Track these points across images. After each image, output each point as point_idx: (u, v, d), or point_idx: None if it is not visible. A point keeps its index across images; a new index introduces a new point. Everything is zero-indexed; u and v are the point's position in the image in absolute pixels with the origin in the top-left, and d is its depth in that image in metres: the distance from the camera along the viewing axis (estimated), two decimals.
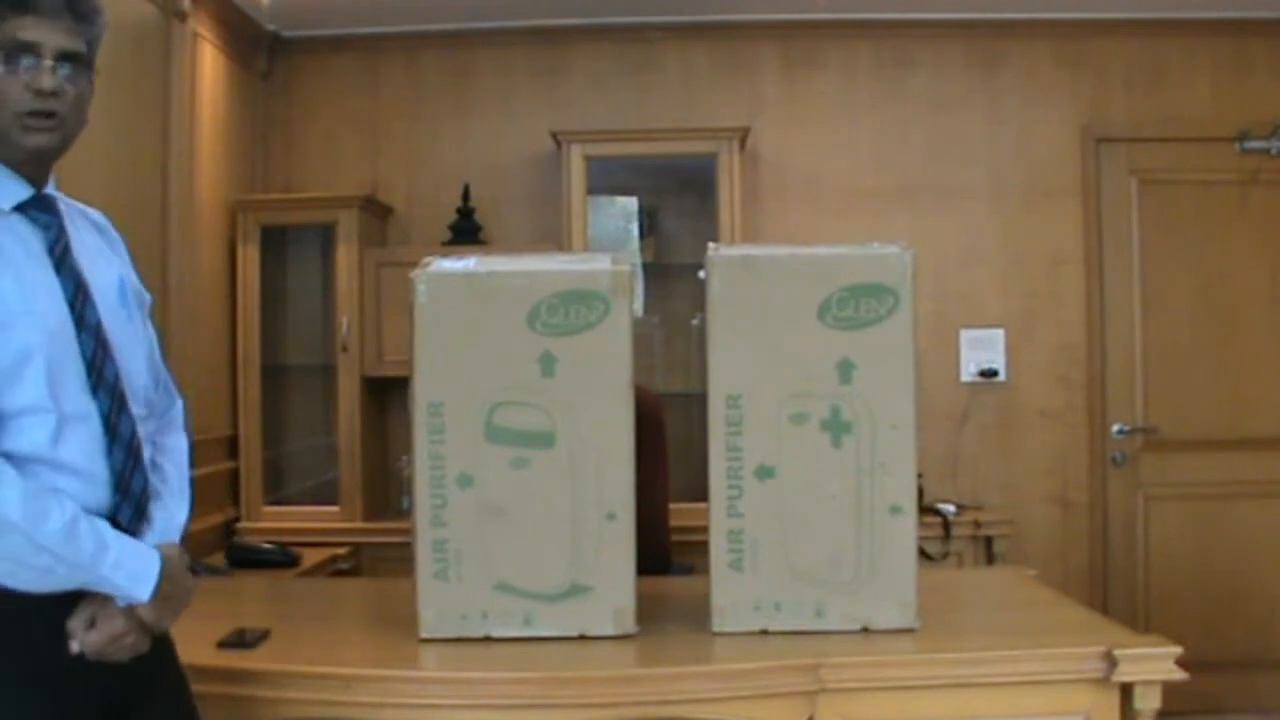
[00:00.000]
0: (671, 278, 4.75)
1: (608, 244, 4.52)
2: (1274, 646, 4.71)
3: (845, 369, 2.32)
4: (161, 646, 1.85)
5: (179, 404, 2.04)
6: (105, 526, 1.70)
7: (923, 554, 3.32)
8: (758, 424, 2.32)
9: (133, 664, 1.76)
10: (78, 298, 1.74)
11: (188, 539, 3.48)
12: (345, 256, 4.49)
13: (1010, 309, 4.82)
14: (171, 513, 1.87)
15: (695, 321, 4.40)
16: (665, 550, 3.26)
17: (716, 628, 2.34)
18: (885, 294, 2.31)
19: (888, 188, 4.81)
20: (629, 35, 4.84)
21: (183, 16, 3.88)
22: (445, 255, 2.41)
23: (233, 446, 4.39)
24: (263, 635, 2.30)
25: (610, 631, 2.32)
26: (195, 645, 2.25)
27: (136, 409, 1.80)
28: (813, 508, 2.33)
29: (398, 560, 3.71)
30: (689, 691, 2.15)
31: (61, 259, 1.75)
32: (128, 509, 1.76)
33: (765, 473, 2.32)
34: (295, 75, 4.84)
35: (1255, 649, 4.68)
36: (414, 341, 2.29)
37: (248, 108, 4.65)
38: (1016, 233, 4.83)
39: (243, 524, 4.32)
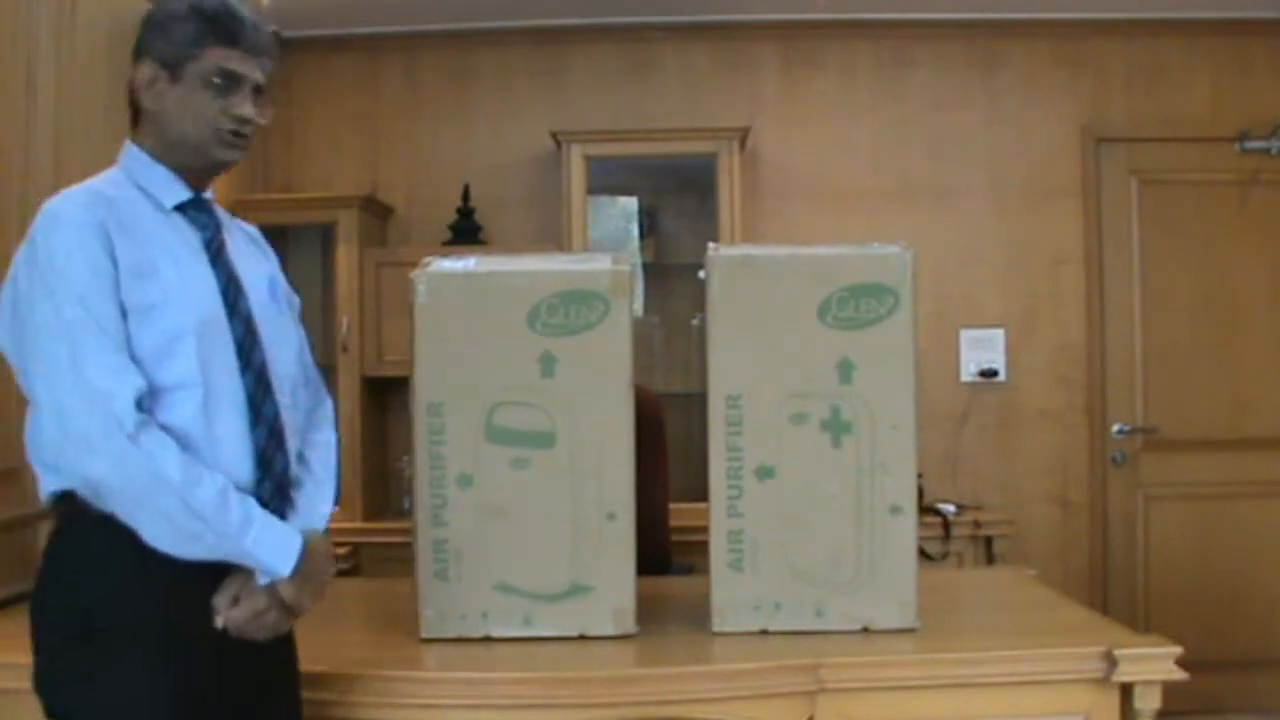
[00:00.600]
0: (671, 278, 4.75)
1: (608, 244, 4.52)
2: (1274, 646, 4.70)
3: (845, 369, 2.32)
4: (289, 643, 1.95)
5: (328, 403, 2.18)
6: (252, 502, 1.80)
7: (923, 554, 3.32)
8: (758, 424, 2.32)
9: (269, 652, 1.86)
10: (230, 289, 1.88)
11: None
12: (345, 256, 4.49)
13: (1010, 309, 4.82)
14: (315, 501, 1.98)
15: (695, 321, 4.40)
16: (665, 550, 3.26)
17: (716, 628, 2.34)
18: (885, 294, 2.32)
19: (888, 187, 4.81)
20: (629, 35, 4.84)
21: None
22: (445, 255, 2.41)
23: None
24: None
25: (610, 631, 2.32)
26: None
27: (282, 397, 1.92)
28: (813, 508, 2.33)
29: (398, 560, 3.70)
30: (689, 691, 2.15)
31: (217, 255, 1.90)
32: (269, 485, 1.87)
33: (765, 473, 2.32)
34: (295, 75, 4.83)
35: (1255, 649, 4.68)
36: (414, 341, 2.29)
37: None
38: (1016, 233, 4.83)
39: None
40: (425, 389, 2.29)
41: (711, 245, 2.38)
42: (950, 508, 4.45)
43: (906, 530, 2.35)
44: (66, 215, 1.77)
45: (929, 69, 4.85)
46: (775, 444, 2.32)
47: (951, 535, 4.35)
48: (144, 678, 1.73)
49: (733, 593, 2.34)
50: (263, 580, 1.80)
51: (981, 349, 4.79)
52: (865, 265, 2.33)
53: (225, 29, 1.89)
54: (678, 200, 4.85)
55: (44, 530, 2.85)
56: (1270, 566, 4.74)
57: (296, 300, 2.12)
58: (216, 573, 1.80)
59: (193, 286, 1.84)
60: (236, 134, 1.92)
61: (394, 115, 4.85)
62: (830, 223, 4.73)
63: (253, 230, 2.11)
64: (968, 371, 4.79)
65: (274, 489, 1.88)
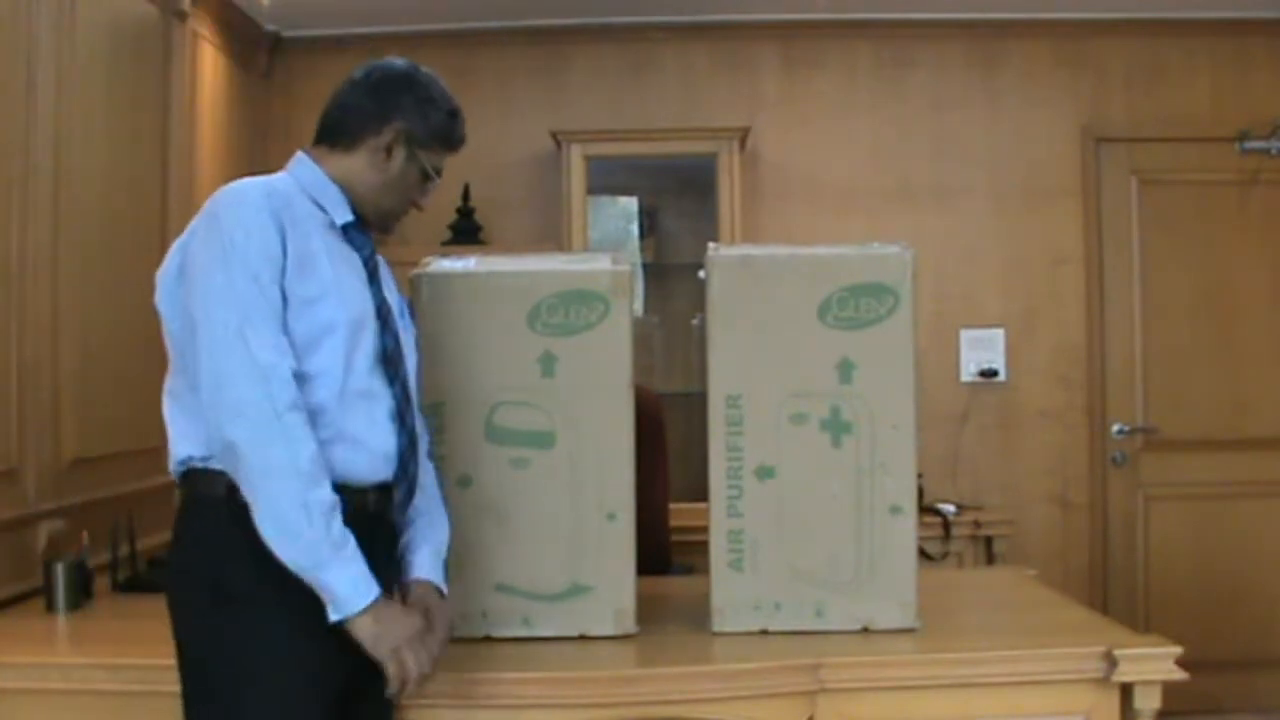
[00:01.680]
0: (671, 278, 4.75)
1: (608, 244, 4.52)
2: (1274, 647, 4.70)
3: (845, 369, 2.32)
4: None
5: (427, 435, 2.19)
6: (352, 536, 1.81)
7: (923, 554, 3.32)
8: (758, 424, 2.32)
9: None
10: (383, 307, 2.00)
11: None
12: None
13: (1010, 309, 4.82)
14: (438, 549, 2.08)
15: (695, 321, 4.40)
16: (665, 550, 3.26)
17: (716, 628, 2.34)
18: (885, 294, 2.32)
19: (888, 187, 4.81)
20: (629, 35, 4.84)
21: (182, 16, 3.88)
22: (445, 255, 2.42)
23: None
24: None
25: (610, 631, 2.32)
26: None
27: (417, 410, 2.04)
28: (813, 508, 2.33)
29: None
30: (689, 691, 2.15)
31: (373, 275, 2.02)
32: (405, 488, 1.98)
33: (765, 473, 2.32)
34: (295, 75, 4.83)
35: (1255, 649, 4.68)
36: None
37: (248, 107, 4.64)
38: (1016, 233, 4.82)
39: None
40: (425, 389, 2.29)
41: (711, 245, 2.38)
42: (950, 508, 4.45)
43: (906, 530, 2.35)
44: (250, 198, 1.88)
45: (929, 69, 4.85)
46: (775, 444, 2.32)
47: (951, 535, 4.35)
48: (266, 639, 1.81)
49: (733, 593, 2.34)
50: (333, 617, 1.79)
51: (981, 349, 4.79)
52: (865, 265, 2.33)
53: (457, 137, 2.11)
54: (678, 200, 4.85)
55: (44, 530, 2.87)
56: (1270, 567, 4.74)
57: (415, 330, 2.18)
58: None
59: (350, 289, 1.93)
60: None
61: None
62: (830, 223, 4.73)
63: (387, 265, 2.16)
64: (968, 371, 4.79)
65: (407, 493, 1.99)
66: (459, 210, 4.69)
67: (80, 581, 2.68)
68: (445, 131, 2.07)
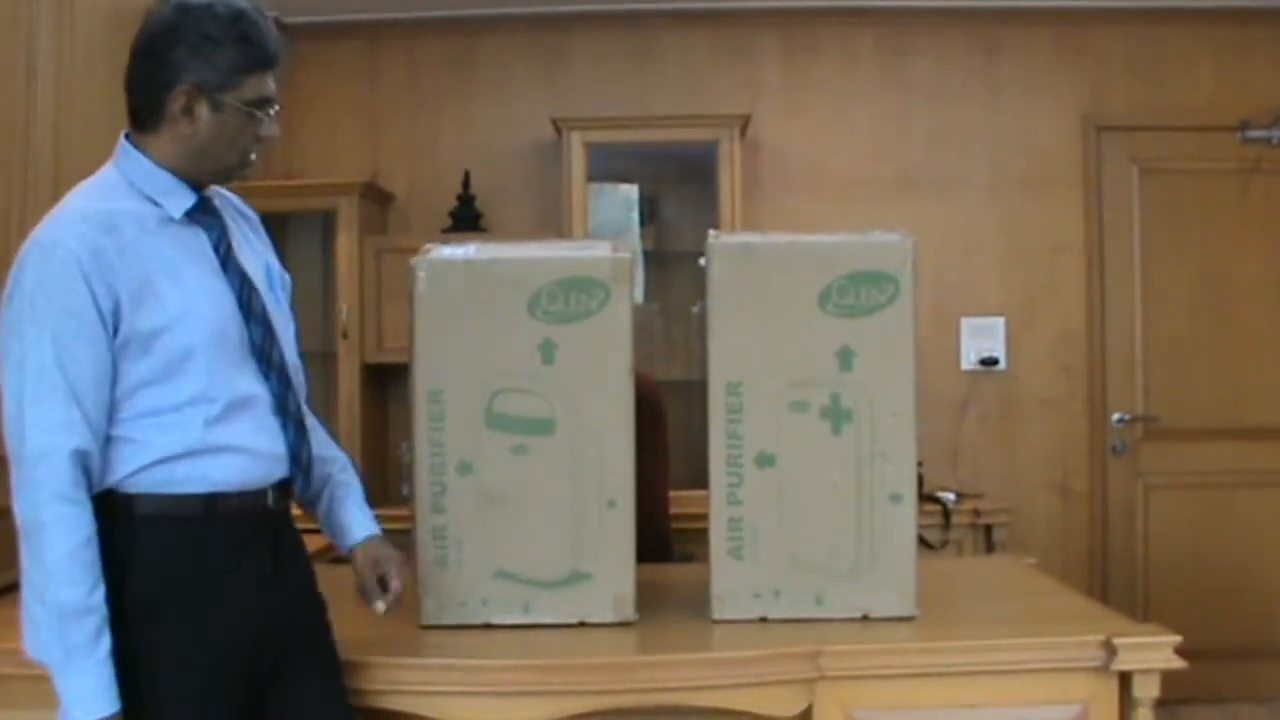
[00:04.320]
0: (672, 265, 4.75)
1: (608, 231, 4.51)
2: (1273, 635, 4.71)
3: (845, 357, 2.31)
4: (315, 610, 2.02)
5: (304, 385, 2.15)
6: (106, 645, 1.72)
7: (922, 542, 3.31)
8: (758, 411, 2.31)
9: (288, 622, 1.91)
10: (244, 291, 1.89)
11: None
12: (345, 244, 4.49)
13: (1010, 298, 4.82)
14: (359, 500, 2.13)
15: (695, 309, 4.38)
16: (665, 538, 3.26)
17: (716, 615, 2.33)
18: (886, 282, 2.31)
19: (888, 176, 4.80)
20: (629, 22, 4.83)
21: None
22: (446, 242, 2.41)
23: None
24: None
25: (610, 619, 2.32)
26: None
27: (298, 387, 1.97)
28: (813, 496, 2.32)
29: (398, 547, 3.71)
30: (688, 679, 2.15)
31: (227, 257, 1.89)
32: (301, 479, 1.95)
33: (765, 460, 2.32)
34: (295, 62, 4.81)
35: (1254, 638, 4.69)
36: (414, 329, 2.29)
37: None
38: (1017, 221, 4.82)
39: None
40: (425, 376, 2.28)
41: (712, 232, 2.37)
42: (950, 496, 4.45)
43: (906, 518, 2.34)
44: (60, 250, 1.74)
45: (930, 57, 4.84)
46: (775, 431, 2.32)
47: (951, 524, 4.36)
48: (166, 653, 1.78)
49: (732, 580, 2.33)
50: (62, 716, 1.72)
51: (982, 337, 4.79)
52: (866, 253, 2.32)
53: (262, 53, 1.86)
54: (678, 188, 4.84)
55: None
56: (1270, 556, 4.74)
57: (288, 280, 2.08)
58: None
59: (200, 303, 1.82)
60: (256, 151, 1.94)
61: (394, 102, 4.84)
62: (831, 210, 4.73)
63: (240, 203, 2.06)
64: (968, 360, 4.79)
65: (305, 481, 1.96)
66: (459, 198, 4.68)
67: None
68: (241, 61, 1.83)
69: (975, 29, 4.83)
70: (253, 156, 1.93)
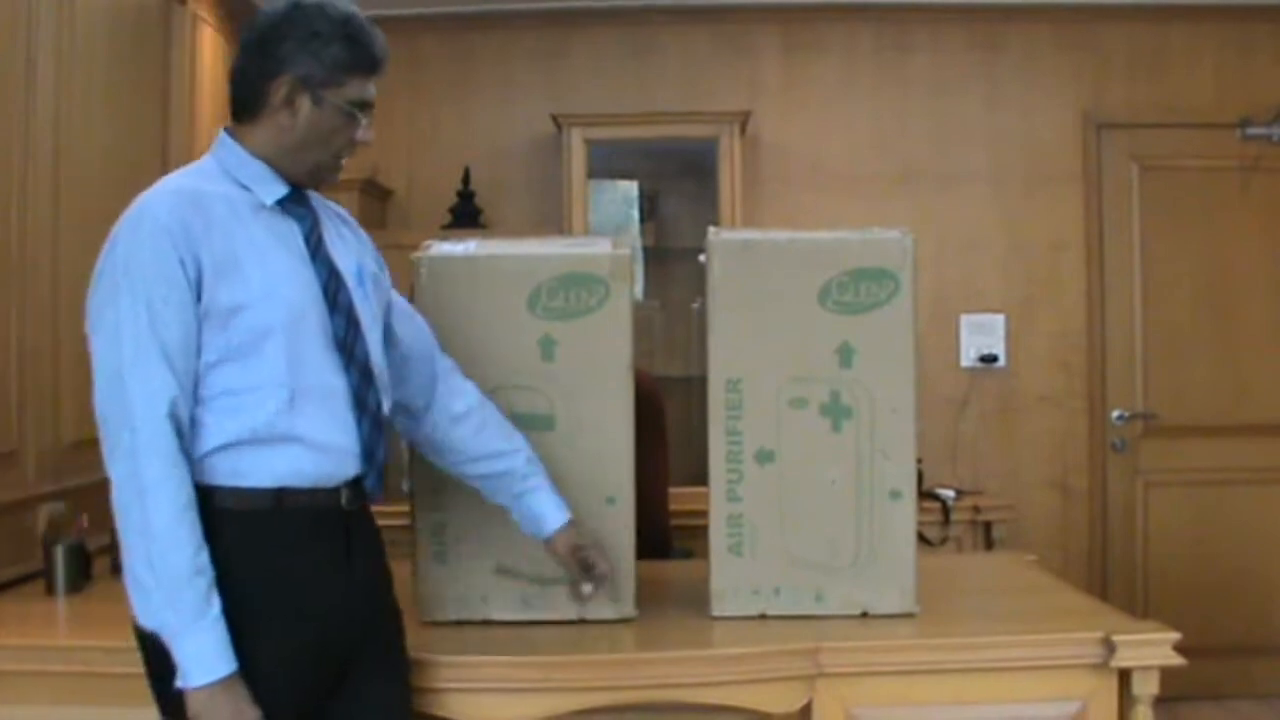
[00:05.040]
0: (672, 262, 4.74)
1: (608, 228, 4.51)
2: (1272, 632, 4.71)
3: (845, 353, 2.31)
4: (387, 617, 2.01)
5: (441, 360, 2.17)
6: (216, 605, 1.72)
7: (922, 539, 3.31)
8: (757, 408, 2.31)
9: (358, 626, 1.90)
10: (331, 283, 1.89)
11: None
12: None
13: (1010, 294, 4.81)
14: (549, 488, 2.18)
15: (695, 306, 4.39)
16: (665, 534, 3.26)
17: (715, 612, 2.33)
18: (886, 278, 2.31)
19: (888, 172, 4.80)
20: (630, 18, 4.82)
21: (182, 0, 3.87)
22: (445, 239, 2.41)
23: None
24: None
25: (609, 615, 2.32)
26: None
27: (382, 386, 1.95)
28: (812, 492, 2.32)
29: (397, 543, 3.71)
30: (687, 675, 2.15)
31: (316, 248, 1.90)
32: (373, 475, 1.91)
33: (765, 457, 2.32)
34: None
35: (1253, 634, 4.69)
36: None
37: None
38: (1017, 218, 4.82)
39: None
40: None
41: (712, 229, 2.38)
42: (950, 493, 4.44)
43: (906, 515, 2.34)
44: (149, 218, 1.77)
45: (930, 53, 4.84)
46: (775, 428, 2.32)
47: (951, 520, 4.35)
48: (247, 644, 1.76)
49: (732, 577, 2.33)
50: (176, 684, 1.71)
51: (982, 334, 4.79)
52: (866, 250, 2.32)
53: (369, 58, 1.90)
54: (678, 184, 4.84)
55: (43, 512, 2.87)
56: (1269, 553, 4.74)
57: (386, 281, 2.09)
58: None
59: (283, 286, 1.83)
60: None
61: (394, 98, 4.83)
62: (831, 207, 4.72)
63: (339, 209, 2.08)
64: (968, 357, 4.79)
65: (377, 480, 1.93)
66: (459, 194, 4.68)
67: (80, 564, 2.68)
68: (346, 60, 1.87)
69: (975, 25, 4.82)
70: (343, 161, 1.95)
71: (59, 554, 2.63)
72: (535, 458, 2.18)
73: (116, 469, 1.74)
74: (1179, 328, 4.79)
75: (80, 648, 2.23)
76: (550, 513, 2.17)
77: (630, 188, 4.69)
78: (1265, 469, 4.76)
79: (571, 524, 2.18)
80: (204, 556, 1.72)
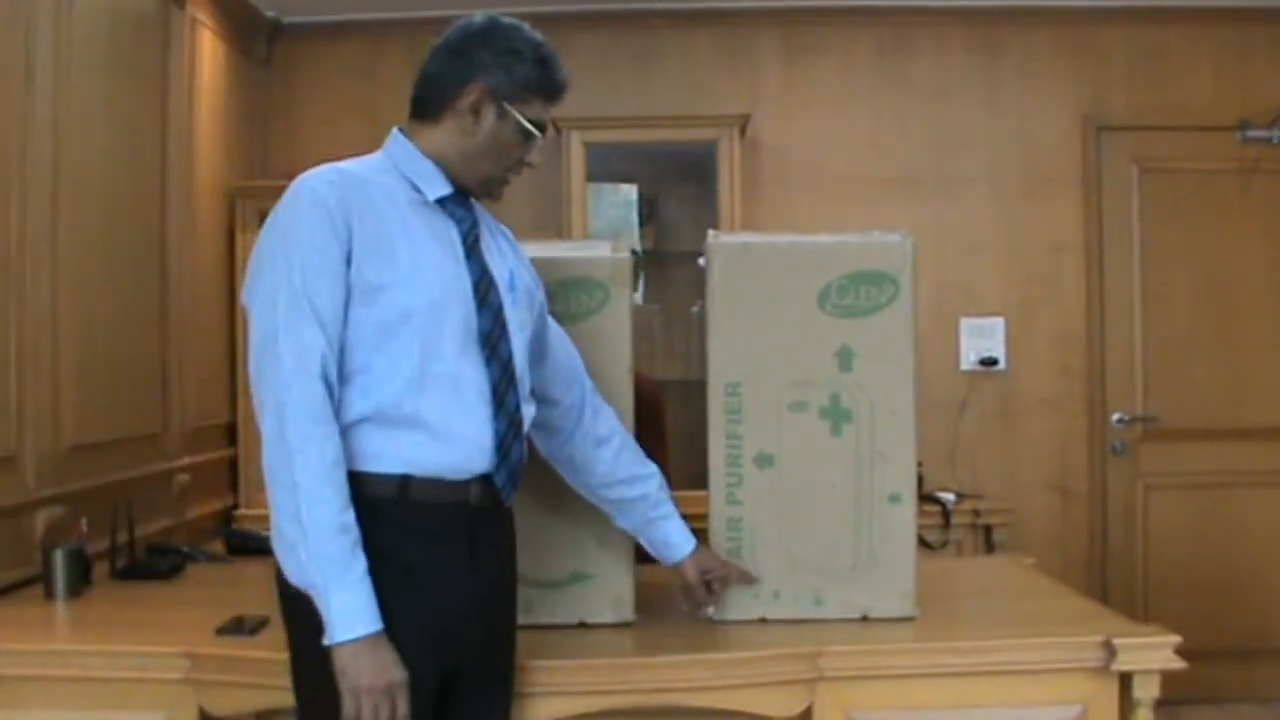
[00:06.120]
0: (671, 265, 4.74)
1: (608, 231, 4.51)
2: (1272, 636, 4.70)
3: (845, 357, 2.32)
4: (505, 624, 2.03)
5: (587, 383, 2.21)
6: (363, 563, 1.75)
7: (922, 542, 3.31)
8: (757, 412, 2.32)
9: (475, 630, 1.91)
10: (482, 282, 1.92)
11: (190, 526, 3.44)
12: None
13: (1010, 298, 4.81)
14: (678, 515, 2.26)
15: (695, 309, 4.38)
16: None
17: (715, 616, 2.33)
18: (886, 282, 2.31)
19: (888, 175, 4.79)
20: (629, 21, 4.82)
21: (181, 3, 3.87)
22: None
23: (231, 433, 4.38)
24: (261, 623, 2.29)
25: (609, 619, 2.32)
26: (193, 632, 2.26)
27: (524, 389, 1.97)
28: (812, 496, 2.33)
29: None
30: (687, 679, 2.15)
31: (472, 248, 1.94)
32: (504, 472, 1.92)
33: (765, 460, 2.32)
34: (295, 61, 4.82)
35: (1254, 638, 4.68)
36: None
37: (248, 94, 4.63)
38: (1017, 221, 4.81)
39: (241, 511, 4.31)
40: None
41: (711, 232, 2.38)
42: (950, 496, 4.45)
43: (906, 518, 2.35)
44: (307, 191, 1.83)
45: (930, 56, 4.84)
46: (775, 432, 2.32)
47: (951, 524, 4.35)
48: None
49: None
50: (325, 640, 1.74)
51: (982, 337, 4.78)
52: (866, 253, 2.32)
53: (555, 84, 2.00)
54: (678, 187, 4.83)
55: (43, 516, 2.88)
56: (1269, 557, 4.74)
57: (539, 298, 2.11)
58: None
59: (430, 272, 1.86)
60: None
61: (395, 102, 4.75)
62: (831, 210, 4.72)
63: (499, 224, 2.11)
64: (968, 360, 4.79)
65: (509, 478, 1.93)
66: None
67: (79, 568, 2.68)
68: (535, 81, 1.96)
69: (975, 28, 4.82)
70: (510, 179, 2.01)
71: (58, 559, 2.64)
72: (665, 483, 2.25)
73: (267, 426, 1.77)
74: (1179, 330, 4.79)
75: (80, 652, 2.23)
76: (680, 540, 2.25)
77: (630, 191, 4.69)
78: (1266, 472, 4.76)
79: (699, 549, 2.26)
80: (350, 515, 1.75)
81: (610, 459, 2.19)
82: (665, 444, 3.26)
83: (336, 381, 1.80)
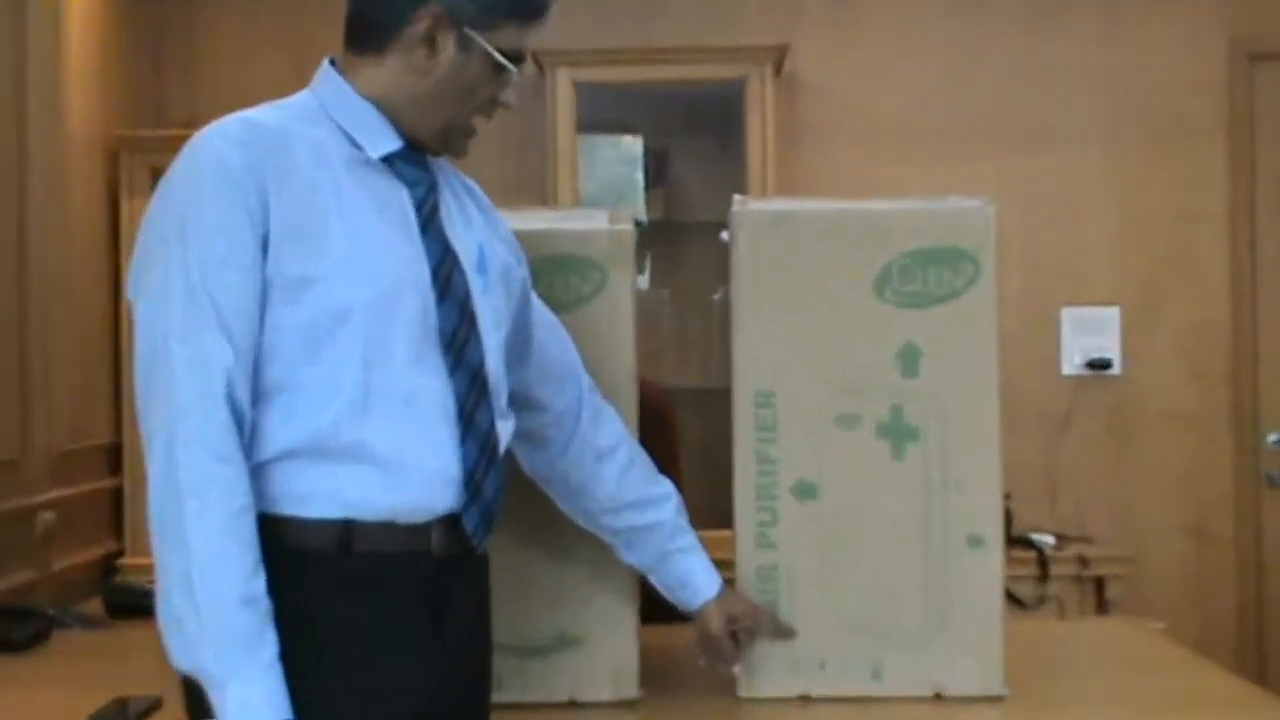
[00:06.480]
0: (686, 240, 4.77)
1: (604, 197, 4.53)
2: None
3: (909, 358, 2.34)
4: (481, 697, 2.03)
5: (585, 380, 2.23)
6: (272, 644, 1.72)
7: (1011, 599, 3.34)
8: (796, 428, 2.34)
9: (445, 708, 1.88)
10: (445, 264, 1.89)
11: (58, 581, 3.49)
12: None
13: (1127, 281, 4.82)
14: (700, 548, 2.29)
15: (716, 297, 4.42)
16: None
17: (743, 692, 2.36)
18: (962, 261, 2.34)
19: (965, 125, 4.80)
20: None
21: None
22: None
23: (115, 458, 4.39)
24: (151, 705, 2.30)
25: (606, 696, 2.35)
26: None
27: (498, 401, 1.95)
28: (867, 537, 2.35)
29: None
30: None
31: (429, 221, 1.91)
32: (476, 512, 1.89)
33: (805, 491, 2.34)
34: None
35: None
36: None
37: (135, 22, 4.65)
38: (1136, 182, 4.82)
39: (126, 560, 4.31)
40: None
41: (738, 198, 2.40)
42: (1048, 539, 4.47)
43: (989, 567, 2.36)
44: (209, 153, 1.79)
45: None
46: (818, 454, 2.34)
47: (1049, 575, 4.37)
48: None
49: (764, 646, 2.35)
50: None
51: (1089, 333, 4.80)
52: (936, 225, 2.35)
53: (535, 3, 1.96)
54: (694, 141, 4.86)
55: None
56: None
57: (519, 274, 2.11)
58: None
59: (375, 257, 1.83)
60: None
61: (326, 31, 4.79)
62: (891, 170, 4.73)
63: (468, 181, 2.12)
64: (1071, 362, 4.80)
65: (481, 519, 1.91)
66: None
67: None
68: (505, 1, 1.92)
69: None
70: (476, 127, 1.99)
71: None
72: (683, 505, 2.27)
73: (154, 463, 1.73)
74: None
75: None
76: (703, 580, 2.28)
77: (633, 145, 4.71)
78: None
79: (726, 592, 2.28)
80: (259, 583, 1.71)
81: (615, 477, 2.20)
82: (677, 470, 3.28)
83: (248, 405, 1.76)
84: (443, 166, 2.03)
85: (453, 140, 1.98)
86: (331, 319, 1.79)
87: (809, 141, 4.79)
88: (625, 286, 2.34)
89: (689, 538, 2.27)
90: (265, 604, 1.72)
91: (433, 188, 1.95)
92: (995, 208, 2.35)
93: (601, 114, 4.67)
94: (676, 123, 4.85)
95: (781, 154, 4.53)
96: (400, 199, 1.91)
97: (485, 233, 2.04)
